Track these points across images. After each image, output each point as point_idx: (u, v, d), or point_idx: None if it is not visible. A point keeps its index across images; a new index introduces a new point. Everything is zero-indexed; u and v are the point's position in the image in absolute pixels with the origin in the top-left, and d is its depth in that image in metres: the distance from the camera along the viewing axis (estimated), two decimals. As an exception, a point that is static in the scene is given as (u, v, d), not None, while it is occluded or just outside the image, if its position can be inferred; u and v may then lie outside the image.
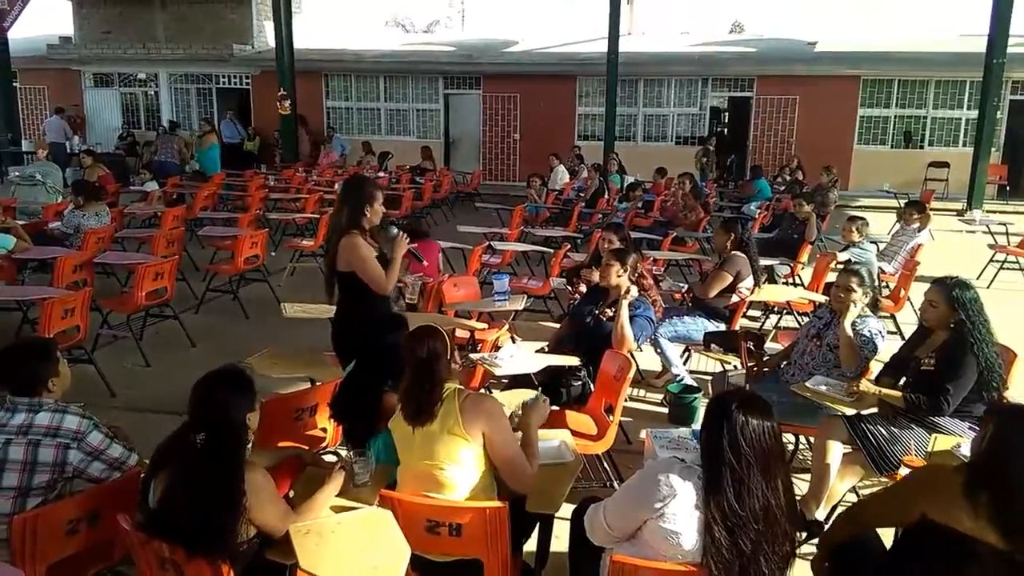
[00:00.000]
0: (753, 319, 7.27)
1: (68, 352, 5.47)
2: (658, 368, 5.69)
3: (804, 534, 3.46)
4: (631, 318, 4.29)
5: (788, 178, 14.02)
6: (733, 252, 5.72)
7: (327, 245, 4.17)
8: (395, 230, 4.18)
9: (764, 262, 7.03)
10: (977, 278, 9.06)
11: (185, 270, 7.91)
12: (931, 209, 13.13)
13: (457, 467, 2.74)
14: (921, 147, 17.00)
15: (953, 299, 3.56)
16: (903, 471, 2.81)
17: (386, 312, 4.19)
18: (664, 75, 18.02)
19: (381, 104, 19.52)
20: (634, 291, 4.32)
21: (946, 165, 16.32)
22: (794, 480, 4.10)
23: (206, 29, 19.49)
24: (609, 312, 4.44)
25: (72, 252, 6.95)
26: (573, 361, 4.32)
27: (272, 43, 17.36)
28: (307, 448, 3.58)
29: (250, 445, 2.54)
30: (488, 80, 18.73)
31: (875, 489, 3.30)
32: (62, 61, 20.38)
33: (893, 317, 6.80)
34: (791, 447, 4.42)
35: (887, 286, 7.69)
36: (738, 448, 2.19)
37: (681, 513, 2.26)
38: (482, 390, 4.04)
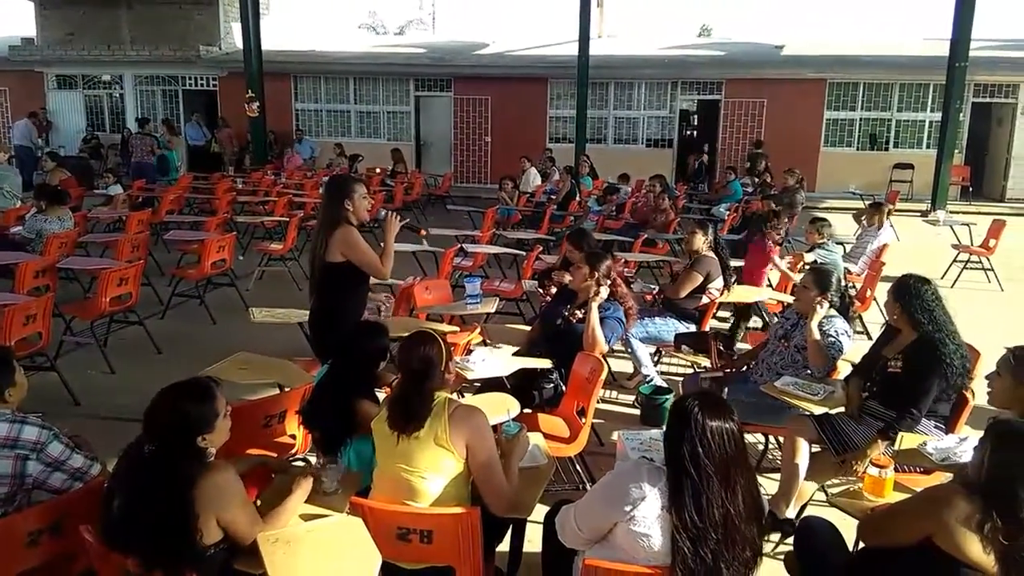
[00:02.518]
0: (722, 320, 7.33)
1: (31, 359, 5.38)
2: (630, 370, 5.71)
3: (778, 534, 3.50)
4: (601, 320, 4.29)
5: (756, 180, 14.16)
6: (704, 253, 5.75)
7: (313, 241, 4.20)
8: (383, 212, 4.28)
9: (733, 263, 7.09)
10: (941, 278, 9.22)
11: (151, 275, 7.78)
12: (896, 210, 13.39)
13: (437, 477, 2.71)
14: (886, 149, 17.28)
15: (898, 289, 3.65)
16: (872, 470, 2.83)
17: (363, 311, 4.27)
18: (634, 78, 18.13)
19: (351, 106, 19.40)
20: (604, 292, 4.32)
21: (911, 167, 16.62)
22: (764, 479, 4.16)
23: (172, 30, 19.22)
24: (579, 314, 4.44)
25: (34, 257, 6.81)
26: (545, 363, 4.32)
27: (240, 44, 17.16)
28: (275, 456, 3.54)
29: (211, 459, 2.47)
30: (459, 82, 18.70)
31: (850, 487, 3.29)
32: (24, 63, 19.97)
33: (860, 317, 6.89)
34: (760, 447, 4.45)
35: (853, 287, 7.79)
36: (698, 459, 2.21)
37: (650, 516, 2.27)
38: (454, 394, 4.02)
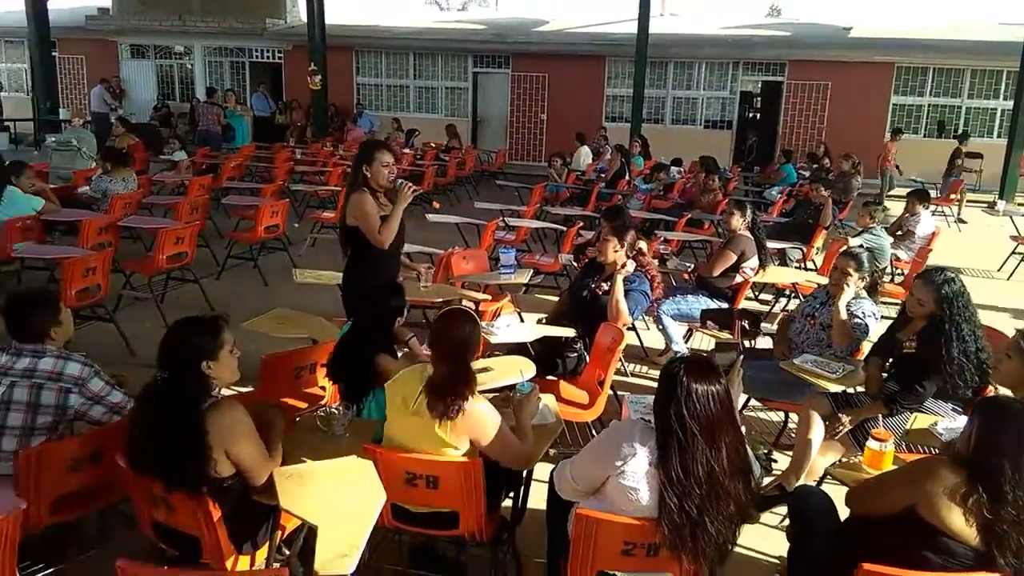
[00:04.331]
0: (764, 303, 7.29)
1: (91, 310, 5.71)
2: (662, 346, 5.77)
3: (785, 507, 3.55)
4: (626, 292, 4.37)
5: (815, 166, 13.88)
6: (739, 232, 5.75)
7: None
8: (400, 181, 4.24)
9: (777, 245, 7.05)
10: (998, 270, 8.97)
11: (209, 238, 8.13)
12: (965, 201, 12.98)
13: (440, 456, 2.79)
14: (955, 137, 16.68)
15: (942, 298, 3.55)
16: (871, 443, 2.86)
17: (388, 274, 4.29)
18: (695, 58, 17.84)
19: (410, 81, 19.60)
20: (630, 266, 4.39)
21: (979, 156, 16.01)
22: (782, 455, 4.20)
23: (240, 3, 19.64)
24: (605, 286, 4.53)
25: (98, 215, 7.18)
26: (568, 332, 4.41)
27: (305, 18, 17.50)
28: (307, 405, 3.75)
29: (217, 392, 2.68)
30: (517, 59, 18.69)
31: (851, 460, 3.34)
32: (99, 32, 20.74)
33: (903, 304, 6.78)
34: (780, 424, 4.48)
35: (901, 273, 7.67)
36: (683, 419, 2.30)
37: (639, 472, 2.37)
38: (481, 360, 4.14)
